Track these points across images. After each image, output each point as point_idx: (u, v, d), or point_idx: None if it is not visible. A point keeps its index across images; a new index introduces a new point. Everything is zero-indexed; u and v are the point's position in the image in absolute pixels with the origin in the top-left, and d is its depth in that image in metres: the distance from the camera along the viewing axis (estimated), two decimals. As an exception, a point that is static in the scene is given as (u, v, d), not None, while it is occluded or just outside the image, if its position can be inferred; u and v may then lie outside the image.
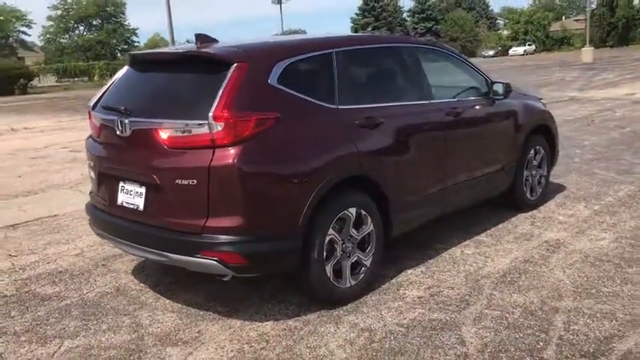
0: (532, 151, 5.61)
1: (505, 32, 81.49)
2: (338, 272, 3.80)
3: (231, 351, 3.33)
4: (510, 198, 5.56)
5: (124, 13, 71.09)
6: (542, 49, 72.26)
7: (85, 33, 69.31)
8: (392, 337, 3.40)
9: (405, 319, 3.63)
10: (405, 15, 77.95)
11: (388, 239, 4.20)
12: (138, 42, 72.76)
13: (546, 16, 76.14)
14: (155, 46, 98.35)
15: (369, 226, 3.94)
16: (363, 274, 3.95)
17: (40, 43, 70.16)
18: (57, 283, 4.44)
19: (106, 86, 4.13)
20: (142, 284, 4.34)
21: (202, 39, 3.92)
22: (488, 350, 3.22)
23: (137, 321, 3.76)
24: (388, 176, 4.04)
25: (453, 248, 4.80)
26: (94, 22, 69.82)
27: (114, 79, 4.12)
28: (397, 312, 3.73)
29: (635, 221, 5.24)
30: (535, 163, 5.71)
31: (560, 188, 6.48)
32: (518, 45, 71.87)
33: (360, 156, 3.84)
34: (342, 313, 3.74)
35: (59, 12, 67.87)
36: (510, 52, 69.32)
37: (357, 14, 72.90)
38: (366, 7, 71.47)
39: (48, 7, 71.99)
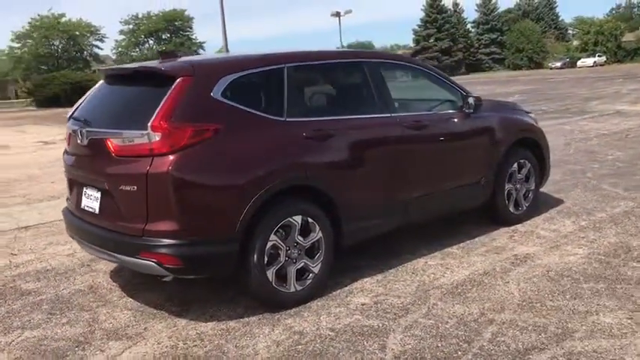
0: (515, 165, 5.57)
1: (575, 43, 78.95)
2: (283, 277, 3.97)
3: (166, 347, 3.56)
4: (492, 211, 5.55)
5: (191, 28, 73.63)
6: (613, 60, 69.56)
7: (154, 46, 72.11)
8: (319, 341, 3.54)
9: (339, 324, 3.75)
10: (468, 26, 76.93)
11: (342, 248, 4.32)
12: (205, 55, 74.96)
13: (618, 26, 73.19)
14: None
15: (317, 234, 4.08)
16: (310, 280, 4.09)
17: (113, 57, 73.53)
18: (41, 280, 4.81)
19: (82, 99, 4.48)
20: (114, 284, 4.64)
21: (165, 55, 4.21)
22: (405, 357, 3.30)
23: (95, 317, 4.05)
24: (339, 186, 4.17)
25: (420, 259, 4.86)
26: (163, 36, 72.58)
27: (89, 92, 4.46)
28: (335, 317, 3.85)
29: (616, 238, 5.13)
30: (520, 176, 5.67)
31: (556, 203, 6.39)
32: (588, 56, 69.43)
33: (306, 166, 4.01)
34: (283, 317, 3.89)
35: (130, 26, 71.03)
36: (579, 63, 67.03)
37: (418, 26, 72.68)
38: (428, 19, 71.10)
39: (120, 22, 75.43)
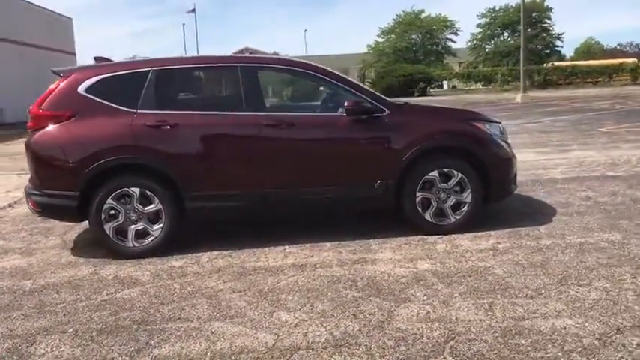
0: (435, 173, 5.32)
1: None
2: (125, 234, 5.13)
3: (29, 264, 5.14)
4: (403, 217, 5.46)
5: (549, 19, 70.72)
6: None
7: (508, 39, 71.73)
8: (94, 279, 4.67)
9: (124, 274, 4.76)
10: None
11: (189, 220, 5.21)
12: (561, 47, 71.24)
13: None
14: (587, 51, 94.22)
15: (156, 205, 5.10)
16: (149, 241, 5.14)
17: (467, 50, 75.76)
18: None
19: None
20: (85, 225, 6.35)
21: (100, 59, 5.72)
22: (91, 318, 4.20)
23: (40, 239, 5.92)
24: (180, 169, 5.08)
25: (286, 247, 5.28)
26: (519, 28, 71.42)
27: None
28: (134, 270, 4.84)
29: (493, 262, 4.63)
30: (445, 186, 5.36)
31: (534, 222, 5.70)
32: None
33: (143, 149, 5.06)
34: (114, 263, 5.04)
35: (487, 19, 72.02)
36: None
37: None
38: None
39: (477, 16, 77.20)
